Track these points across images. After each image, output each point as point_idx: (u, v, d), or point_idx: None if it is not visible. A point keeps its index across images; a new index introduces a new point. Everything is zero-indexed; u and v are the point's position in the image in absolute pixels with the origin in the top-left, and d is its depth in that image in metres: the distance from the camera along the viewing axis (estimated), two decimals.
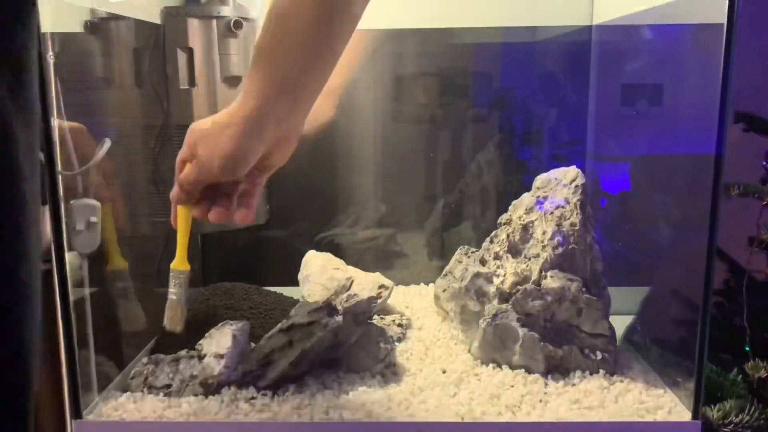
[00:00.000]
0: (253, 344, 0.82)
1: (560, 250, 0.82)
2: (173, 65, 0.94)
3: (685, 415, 0.73)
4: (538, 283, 0.82)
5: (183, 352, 0.81)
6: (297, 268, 1.01)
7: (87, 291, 0.78)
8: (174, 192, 0.67)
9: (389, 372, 0.81)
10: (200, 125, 0.64)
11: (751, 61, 0.89)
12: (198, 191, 0.66)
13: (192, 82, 0.95)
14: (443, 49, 1.12)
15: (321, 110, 1.12)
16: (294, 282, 1.02)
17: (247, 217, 0.67)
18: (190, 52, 0.94)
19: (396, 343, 0.86)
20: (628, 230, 1.05)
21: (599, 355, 0.80)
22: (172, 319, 0.75)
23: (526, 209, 0.88)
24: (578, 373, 0.79)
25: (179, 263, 0.74)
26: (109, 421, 0.73)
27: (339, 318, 0.79)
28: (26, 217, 0.39)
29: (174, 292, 0.75)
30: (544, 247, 0.83)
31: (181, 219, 0.70)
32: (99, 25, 0.87)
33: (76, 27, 0.83)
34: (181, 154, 0.66)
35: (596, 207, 1.05)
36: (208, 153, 0.62)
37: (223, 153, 0.61)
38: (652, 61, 1.00)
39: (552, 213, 0.84)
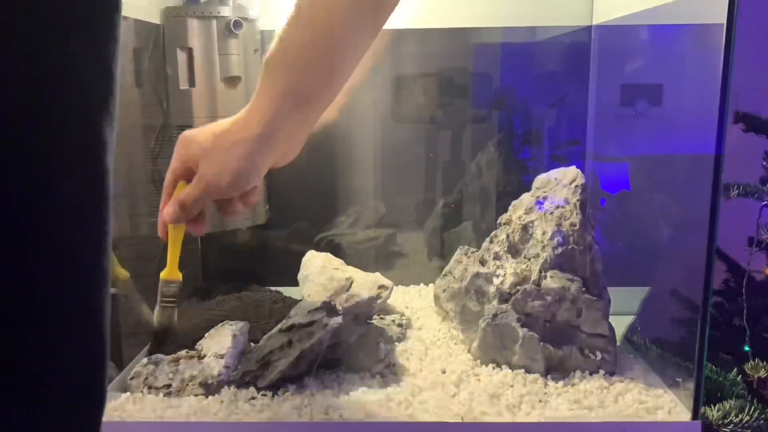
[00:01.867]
0: (253, 344, 0.82)
1: (560, 250, 0.82)
2: (173, 65, 0.94)
3: (684, 415, 0.73)
4: (538, 283, 0.82)
5: (183, 352, 0.81)
6: (297, 268, 1.01)
7: None
8: (170, 211, 0.63)
9: (389, 372, 0.81)
10: (197, 139, 0.61)
11: (751, 61, 0.89)
12: (199, 209, 0.63)
13: (192, 82, 0.95)
14: (443, 49, 1.12)
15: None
16: (294, 282, 1.02)
17: (244, 211, 0.66)
18: (190, 52, 0.94)
19: (396, 343, 0.86)
20: (628, 230, 1.05)
21: (599, 355, 0.80)
22: (160, 323, 0.76)
23: (526, 209, 0.88)
24: (578, 373, 0.79)
25: (170, 273, 0.72)
26: (109, 421, 0.72)
27: (339, 318, 0.79)
28: (108, 209, 0.42)
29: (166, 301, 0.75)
30: (544, 247, 0.83)
31: (176, 234, 0.67)
32: None
33: None
34: (174, 168, 0.63)
35: (596, 207, 1.05)
36: (215, 171, 0.59)
37: (233, 171, 0.59)
38: (651, 61, 1.01)
39: (552, 213, 0.84)
